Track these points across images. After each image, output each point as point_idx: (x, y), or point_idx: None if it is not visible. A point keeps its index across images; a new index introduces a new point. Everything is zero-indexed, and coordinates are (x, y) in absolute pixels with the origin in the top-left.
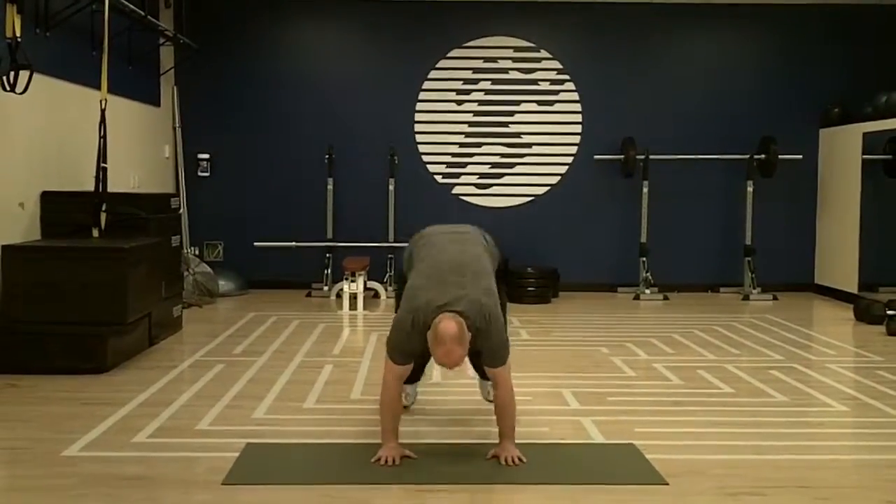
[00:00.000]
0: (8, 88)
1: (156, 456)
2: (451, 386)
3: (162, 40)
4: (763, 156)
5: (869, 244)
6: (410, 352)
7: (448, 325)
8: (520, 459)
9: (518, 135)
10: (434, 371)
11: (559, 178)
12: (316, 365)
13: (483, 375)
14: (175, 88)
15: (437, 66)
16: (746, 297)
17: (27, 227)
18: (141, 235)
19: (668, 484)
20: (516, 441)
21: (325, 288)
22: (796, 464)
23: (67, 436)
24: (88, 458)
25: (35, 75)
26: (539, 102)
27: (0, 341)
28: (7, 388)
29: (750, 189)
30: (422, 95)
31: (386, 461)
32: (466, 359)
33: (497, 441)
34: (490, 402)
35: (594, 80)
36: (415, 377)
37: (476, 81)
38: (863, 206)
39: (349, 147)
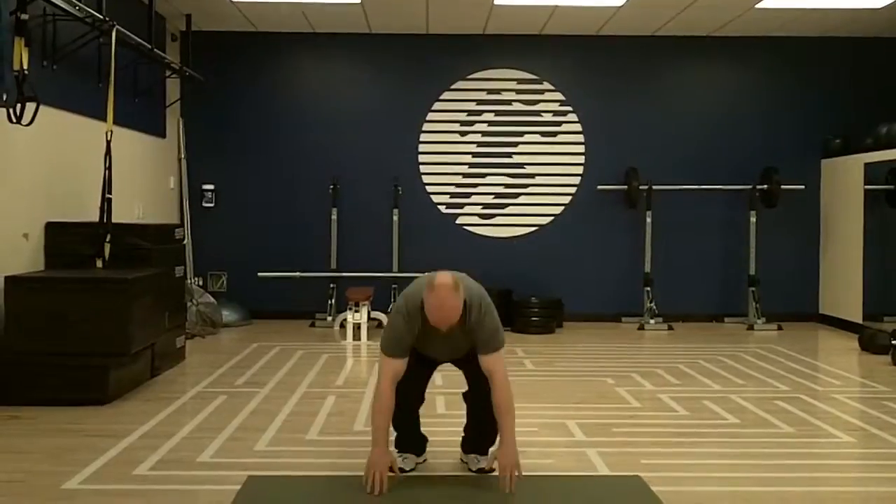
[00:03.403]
0: (14, 120)
1: (157, 489)
2: (455, 417)
3: (168, 73)
4: (766, 186)
5: (873, 273)
6: (406, 340)
7: (443, 275)
8: (518, 474)
9: (521, 165)
10: (439, 402)
11: (563, 208)
12: (319, 396)
13: (469, 448)
14: (181, 120)
15: (441, 97)
16: (751, 327)
17: (31, 258)
18: (145, 266)
19: None
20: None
21: (329, 318)
22: (803, 496)
23: (68, 468)
24: (88, 492)
25: (42, 107)
26: (542, 133)
27: (2, 372)
28: (9, 419)
29: (753, 219)
30: (426, 126)
31: (373, 483)
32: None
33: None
34: (474, 472)
35: (597, 112)
36: (415, 444)
37: (479, 113)
38: (866, 235)
39: (353, 178)
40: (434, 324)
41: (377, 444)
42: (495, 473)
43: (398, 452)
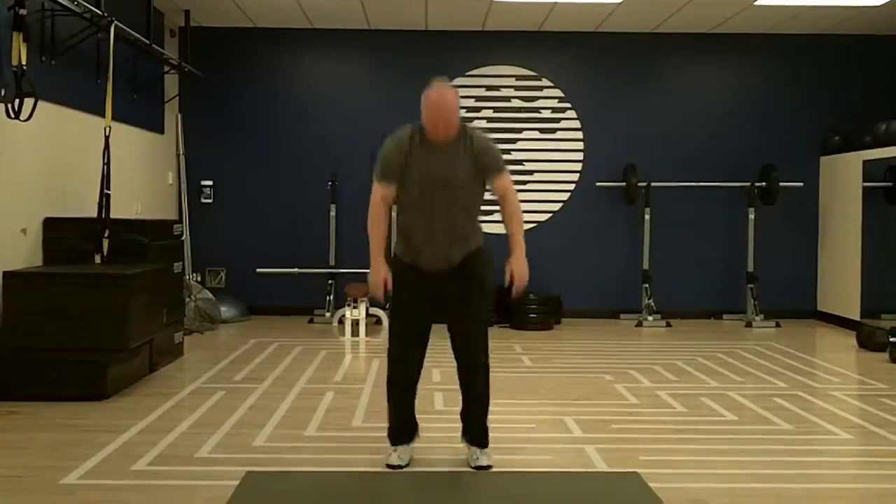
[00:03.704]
0: (13, 116)
1: (155, 484)
2: (452, 414)
3: (166, 68)
4: (764, 183)
5: (871, 271)
6: (395, 159)
7: (440, 79)
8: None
9: (520, 162)
10: (437, 398)
11: (561, 204)
12: (317, 392)
13: (471, 439)
14: (179, 116)
15: None
16: (749, 324)
17: (29, 254)
18: (143, 262)
19: None
20: (519, 469)
21: (328, 314)
22: (801, 493)
23: (66, 463)
24: (87, 486)
25: (40, 103)
26: (541, 130)
27: (1, 367)
28: (7, 414)
29: (751, 216)
30: None
31: (379, 286)
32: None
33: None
34: (474, 468)
35: (595, 108)
36: (408, 432)
37: (479, 109)
38: (864, 232)
39: (352, 174)
40: (431, 124)
41: (375, 257)
42: (494, 470)
43: (392, 446)
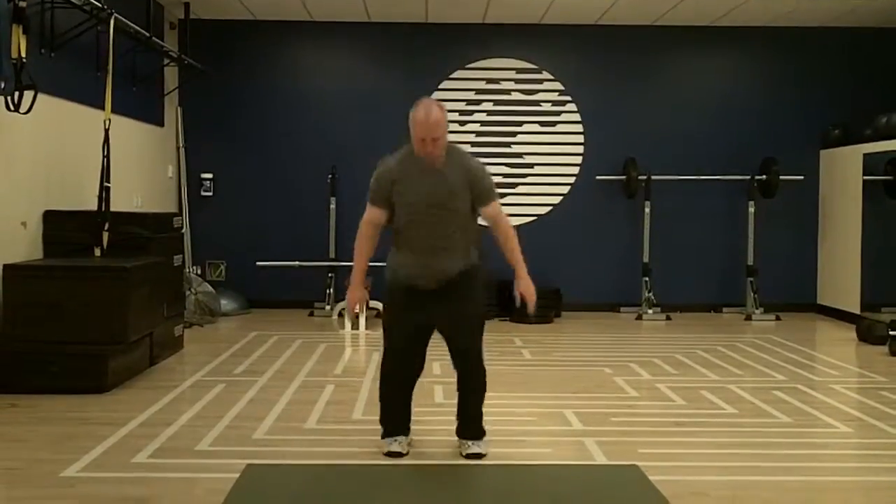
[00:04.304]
0: (12, 108)
1: (155, 477)
2: (451, 406)
3: (166, 61)
4: (764, 177)
5: (871, 264)
6: (385, 181)
7: (427, 98)
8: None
9: (520, 155)
10: (437, 391)
11: (561, 198)
12: (317, 385)
13: (464, 433)
14: (179, 109)
15: (440, 86)
16: (749, 318)
17: (29, 246)
18: (143, 255)
19: None
20: (519, 462)
21: (328, 307)
22: (801, 485)
23: (66, 456)
24: (87, 479)
25: (40, 95)
26: (541, 123)
27: (1, 360)
28: (7, 407)
29: (751, 209)
30: None
31: (352, 309)
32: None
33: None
34: (466, 457)
35: (596, 102)
36: (403, 423)
37: (479, 102)
38: (864, 226)
39: (352, 167)
40: (419, 140)
41: (353, 284)
42: (494, 462)
43: (388, 438)
